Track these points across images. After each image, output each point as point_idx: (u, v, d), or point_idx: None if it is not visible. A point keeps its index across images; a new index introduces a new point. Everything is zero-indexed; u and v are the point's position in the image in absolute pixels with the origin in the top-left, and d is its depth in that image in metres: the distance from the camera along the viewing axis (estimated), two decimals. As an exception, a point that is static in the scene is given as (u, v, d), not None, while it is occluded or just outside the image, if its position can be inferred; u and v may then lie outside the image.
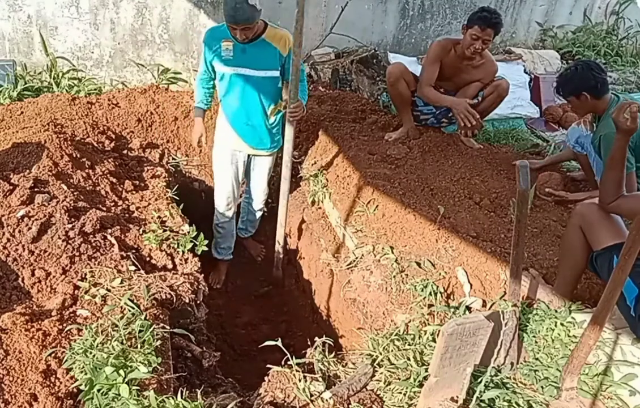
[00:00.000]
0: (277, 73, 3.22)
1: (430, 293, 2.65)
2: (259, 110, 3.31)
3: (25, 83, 4.30)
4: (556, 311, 2.49)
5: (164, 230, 2.91)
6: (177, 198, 3.36)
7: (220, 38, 3.15)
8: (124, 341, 2.07)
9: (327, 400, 2.04)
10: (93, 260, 2.52)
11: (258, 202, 3.78)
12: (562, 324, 2.41)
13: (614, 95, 3.09)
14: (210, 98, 3.46)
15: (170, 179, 3.63)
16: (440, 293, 2.67)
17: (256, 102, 3.28)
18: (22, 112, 3.69)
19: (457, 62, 3.83)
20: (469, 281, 2.71)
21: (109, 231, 2.71)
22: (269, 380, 2.17)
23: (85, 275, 2.43)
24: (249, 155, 3.53)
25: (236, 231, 3.95)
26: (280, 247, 3.60)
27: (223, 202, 3.61)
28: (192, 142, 3.57)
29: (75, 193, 2.93)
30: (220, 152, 3.50)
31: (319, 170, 3.73)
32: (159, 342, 2.14)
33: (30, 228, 2.54)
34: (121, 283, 2.41)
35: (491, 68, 3.91)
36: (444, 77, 3.89)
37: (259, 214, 3.88)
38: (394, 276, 2.78)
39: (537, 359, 2.33)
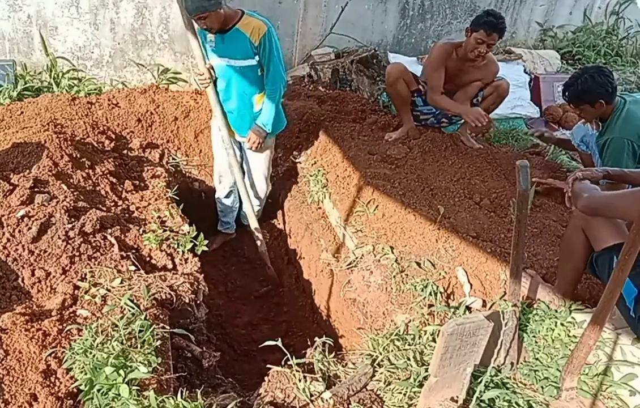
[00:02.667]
0: (254, 61, 3.21)
1: (430, 293, 2.65)
2: (244, 99, 3.34)
3: (25, 83, 4.30)
4: (556, 311, 2.49)
5: (164, 230, 2.91)
6: (177, 198, 3.36)
7: (206, 30, 3.18)
8: (124, 342, 2.07)
9: (327, 400, 2.04)
10: (93, 260, 2.52)
11: (252, 193, 3.68)
12: (562, 324, 2.41)
13: (620, 97, 3.08)
14: None
15: (170, 179, 3.62)
16: (440, 293, 2.67)
17: (240, 91, 3.31)
18: (22, 112, 3.69)
19: (459, 65, 3.83)
20: (469, 281, 2.71)
21: (109, 231, 2.71)
22: (269, 380, 2.17)
23: (85, 275, 2.43)
24: (240, 143, 3.58)
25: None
26: (261, 246, 3.71)
27: (216, 179, 3.75)
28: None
29: (75, 193, 2.93)
30: (214, 133, 3.59)
31: (319, 170, 3.73)
32: (159, 342, 2.14)
33: (30, 228, 2.54)
34: (121, 283, 2.41)
35: (492, 68, 3.91)
36: (447, 79, 3.89)
37: (255, 209, 3.79)
38: (394, 276, 2.78)
39: (537, 359, 2.33)
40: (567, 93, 3.13)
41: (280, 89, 3.31)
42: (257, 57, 3.19)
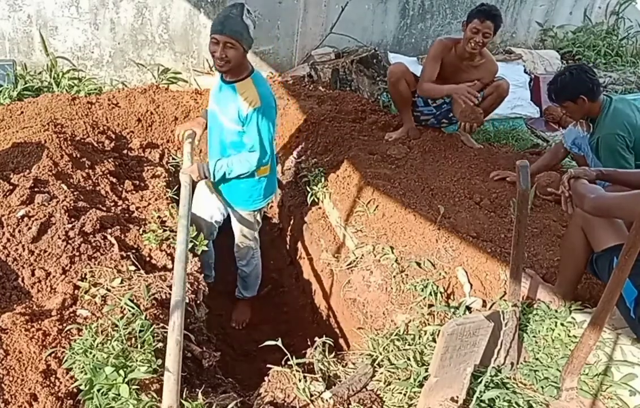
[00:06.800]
0: (239, 129, 2.79)
1: (430, 293, 2.65)
2: (224, 156, 2.93)
3: (25, 83, 4.30)
4: (556, 311, 2.49)
5: (164, 230, 2.91)
6: (177, 198, 3.35)
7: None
8: (124, 341, 2.07)
9: (327, 400, 2.04)
10: (93, 259, 2.52)
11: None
12: (562, 324, 2.41)
13: (605, 96, 3.11)
14: None
15: (170, 179, 3.62)
16: (441, 293, 2.67)
17: (222, 149, 2.94)
18: (22, 112, 3.69)
19: (457, 62, 3.83)
20: (469, 281, 2.71)
21: (109, 231, 2.71)
22: (269, 380, 2.17)
23: (85, 274, 2.43)
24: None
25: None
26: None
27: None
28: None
29: (75, 193, 2.93)
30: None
31: (319, 170, 3.73)
32: (159, 342, 2.14)
33: (30, 228, 2.54)
34: (121, 283, 2.41)
35: (491, 68, 3.91)
36: (444, 76, 3.89)
37: (242, 272, 3.43)
38: (394, 276, 2.78)
39: (537, 359, 2.33)
40: (549, 92, 3.19)
41: (253, 164, 2.82)
42: (242, 127, 2.78)
